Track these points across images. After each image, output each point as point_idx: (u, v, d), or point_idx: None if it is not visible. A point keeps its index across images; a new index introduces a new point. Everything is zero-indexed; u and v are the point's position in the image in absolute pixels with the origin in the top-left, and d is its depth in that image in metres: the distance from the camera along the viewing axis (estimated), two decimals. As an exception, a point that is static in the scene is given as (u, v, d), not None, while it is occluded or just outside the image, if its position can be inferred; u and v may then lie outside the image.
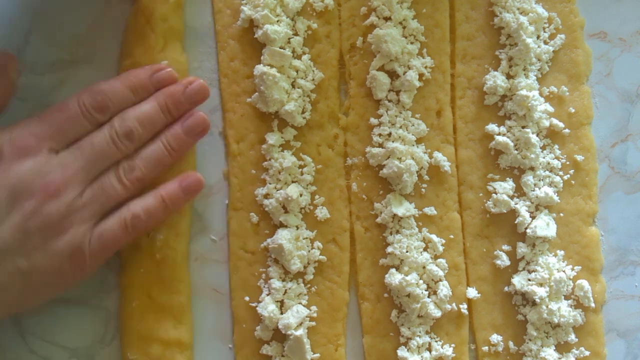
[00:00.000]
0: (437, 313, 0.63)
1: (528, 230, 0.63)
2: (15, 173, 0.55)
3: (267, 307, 0.62)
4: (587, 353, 0.64)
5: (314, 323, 0.63)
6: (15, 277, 0.55)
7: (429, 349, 0.63)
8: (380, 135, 0.65)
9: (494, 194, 0.64)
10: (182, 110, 0.61)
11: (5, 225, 0.54)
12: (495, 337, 0.64)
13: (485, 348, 0.64)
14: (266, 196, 0.64)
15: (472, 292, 0.64)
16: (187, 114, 0.61)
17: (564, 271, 0.64)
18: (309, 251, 0.64)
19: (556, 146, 0.65)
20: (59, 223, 0.55)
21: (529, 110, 0.64)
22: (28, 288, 0.56)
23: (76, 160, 0.57)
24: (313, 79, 0.65)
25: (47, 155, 0.56)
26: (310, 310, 0.63)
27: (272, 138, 0.64)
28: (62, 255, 0.56)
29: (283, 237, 0.62)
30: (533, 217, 0.64)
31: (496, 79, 0.65)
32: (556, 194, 0.64)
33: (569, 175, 0.65)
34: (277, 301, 0.63)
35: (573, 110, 0.66)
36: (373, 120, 0.65)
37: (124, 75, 0.61)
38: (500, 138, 0.64)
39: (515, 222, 0.64)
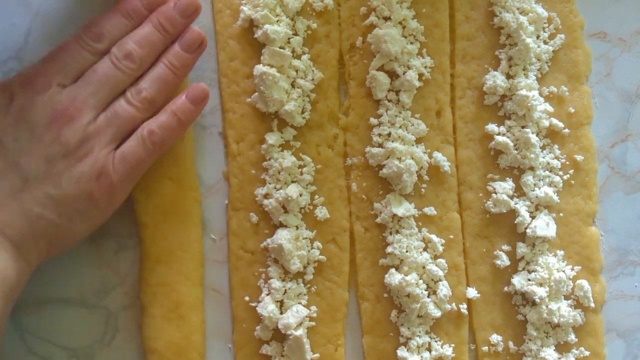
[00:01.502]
0: (437, 313, 0.63)
1: (528, 230, 0.63)
2: (28, 109, 0.57)
3: (267, 307, 0.62)
4: (587, 353, 0.64)
5: (313, 323, 0.63)
6: (47, 206, 0.56)
7: (429, 349, 0.63)
8: (380, 135, 0.65)
9: (493, 194, 0.64)
10: (178, 27, 0.62)
11: (28, 156, 0.56)
12: (495, 337, 0.64)
13: (485, 348, 0.64)
14: (266, 196, 0.64)
15: (471, 292, 0.64)
16: (183, 31, 0.62)
17: (563, 271, 0.64)
18: (309, 251, 0.64)
19: (556, 146, 0.65)
20: (79, 148, 0.57)
21: (529, 110, 0.64)
22: (62, 218, 0.57)
23: (83, 88, 0.58)
24: (313, 79, 0.65)
25: (56, 89, 0.58)
26: (310, 310, 0.63)
27: (272, 138, 0.64)
28: (88, 178, 0.57)
29: (283, 237, 0.62)
30: (533, 217, 0.64)
31: (496, 79, 0.65)
32: (556, 194, 0.64)
33: (568, 175, 0.65)
34: (277, 301, 0.63)
35: (573, 110, 0.66)
36: (373, 120, 0.65)
37: (116, 4, 0.62)
38: (500, 138, 0.64)
39: (515, 222, 0.64)
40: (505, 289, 0.64)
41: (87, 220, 0.59)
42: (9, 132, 0.57)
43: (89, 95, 0.58)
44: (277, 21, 0.64)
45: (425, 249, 0.64)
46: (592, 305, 0.64)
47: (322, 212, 0.64)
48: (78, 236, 0.59)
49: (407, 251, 0.63)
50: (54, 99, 0.57)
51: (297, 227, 0.64)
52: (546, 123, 0.65)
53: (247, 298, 0.64)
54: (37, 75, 0.58)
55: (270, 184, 0.64)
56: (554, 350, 0.63)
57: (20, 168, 0.56)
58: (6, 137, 0.57)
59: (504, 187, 0.64)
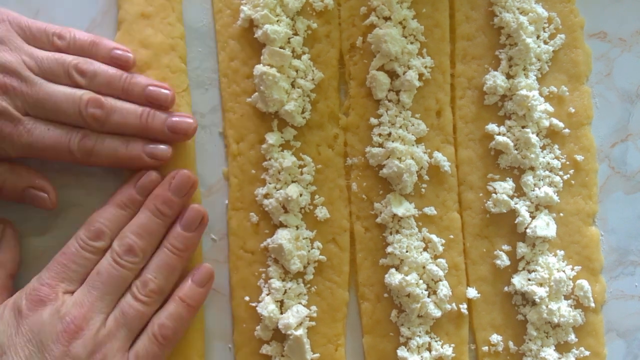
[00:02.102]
0: (437, 313, 0.63)
1: (528, 230, 0.63)
2: (36, 325, 0.56)
3: (267, 307, 0.62)
4: (587, 353, 0.64)
5: (313, 323, 0.63)
6: None
7: (429, 349, 0.63)
8: (380, 135, 0.65)
9: (493, 194, 0.64)
10: (176, 208, 0.61)
11: None
12: (495, 337, 0.64)
13: (485, 348, 0.64)
14: (266, 196, 0.64)
15: (472, 292, 0.64)
16: (182, 210, 0.62)
17: (563, 271, 0.64)
18: (309, 251, 0.64)
19: (556, 146, 0.65)
20: (91, 358, 0.56)
21: (529, 110, 0.64)
22: None
23: (89, 293, 0.58)
24: (313, 79, 0.65)
25: (63, 298, 0.57)
26: (310, 310, 0.63)
27: (272, 138, 0.64)
28: None
29: (283, 237, 0.62)
30: (533, 217, 0.64)
31: (496, 79, 0.65)
32: (556, 194, 0.64)
33: (568, 175, 0.65)
34: (277, 301, 0.63)
35: (573, 110, 0.66)
36: (373, 120, 0.65)
37: (111, 198, 0.61)
38: (500, 138, 0.64)
39: (515, 222, 0.64)
40: (506, 289, 0.64)
41: None
42: (20, 353, 0.55)
43: (95, 300, 0.57)
44: (277, 21, 0.64)
45: (425, 249, 0.64)
46: (592, 305, 0.64)
47: (322, 212, 0.64)
48: None
49: (407, 251, 0.63)
50: (62, 311, 0.56)
51: (297, 227, 0.64)
52: (546, 123, 0.65)
53: (247, 298, 0.64)
54: (41, 286, 0.57)
55: (270, 184, 0.64)
56: (554, 350, 0.63)
57: None
58: (18, 357, 0.55)
59: (504, 187, 0.64)
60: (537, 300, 0.62)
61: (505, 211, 0.64)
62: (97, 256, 0.59)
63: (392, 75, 0.65)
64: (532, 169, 0.65)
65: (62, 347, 0.56)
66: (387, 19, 0.65)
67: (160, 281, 0.59)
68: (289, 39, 0.64)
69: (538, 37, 0.66)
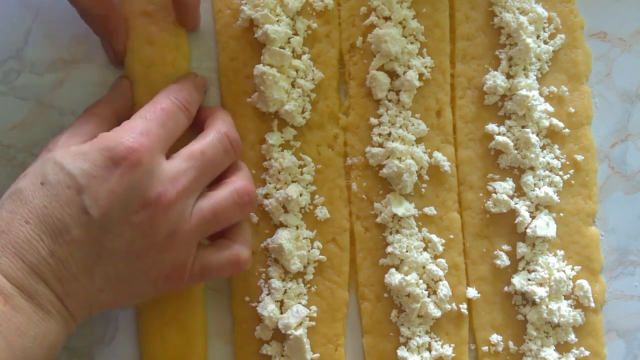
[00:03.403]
0: (437, 313, 0.63)
1: (528, 230, 0.63)
2: (128, 180, 0.52)
3: (267, 307, 0.62)
4: (587, 353, 0.64)
5: (313, 323, 0.63)
6: (111, 282, 0.53)
7: (429, 349, 0.63)
8: (380, 135, 0.65)
9: (493, 194, 0.64)
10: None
11: (113, 232, 0.51)
12: (495, 337, 0.64)
13: (485, 348, 0.64)
14: (266, 196, 0.64)
15: (472, 292, 0.64)
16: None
17: (563, 271, 0.64)
18: (309, 251, 0.64)
19: (556, 146, 0.65)
20: (166, 239, 0.53)
21: (529, 110, 0.64)
22: (120, 296, 0.54)
23: (188, 170, 0.55)
24: (313, 79, 0.65)
25: (159, 159, 0.54)
26: (310, 310, 0.63)
27: (272, 138, 0.64)
28: (160, 271, 0.55)
29: (283, 237, 0.62)
30: (533, 217, 0.64)
31: (496, 79, 0.65)
32: (556, 193, 0.64)
33: (568, 175, 0.65)
34: (277, 301, 0.63)
35: (573, 110, 0.66)
36: (373, 120, 0.65)
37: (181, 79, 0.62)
38: (500, 138, 0.64)
39: (515, 222, 0.64)
40: (505, 289, 0.64)
41: (140, 298, 0.57)
42: (101, 204, 0.51)
43: (192, 181, 0.55)
44: (277, 21, 0.64)
45: (425, 249, 0.64)
46: (592, 305, 0.64)
47: (322, 212, 0.64)
48: (127, 306, 0.60)
49: (407, 251, 0.63)
50: (157, 175, 0.53)
51: (297, 227, 0.64)
52: (546, 123, 0.65)
53: (247, 298, 0.64)
54: (140, 135, 0.53)
55: (270, 183, 0.64)
56: (554, 350, 0.63)
57: (101, 245, 0.51)
58: (97, 208, 0.51)
59: (504, 187, 0.64)
60: (537, 300, 0.62)
61: (505, 211, 0.64)
62: (188, 121, 0.59)
63: (392, 75, 0.65)
64: (532, 168, 0.65)
65: (146, 215, 0.52)
66: (387, 19, 0.65)
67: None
68: (289, 39, 0.64)
69: (538, 37, 0.66)
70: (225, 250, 0.58)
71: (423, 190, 0.65)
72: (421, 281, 0.63)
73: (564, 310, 0.63)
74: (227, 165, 0.59)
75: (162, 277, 0.55)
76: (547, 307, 0.62)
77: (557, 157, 0.65)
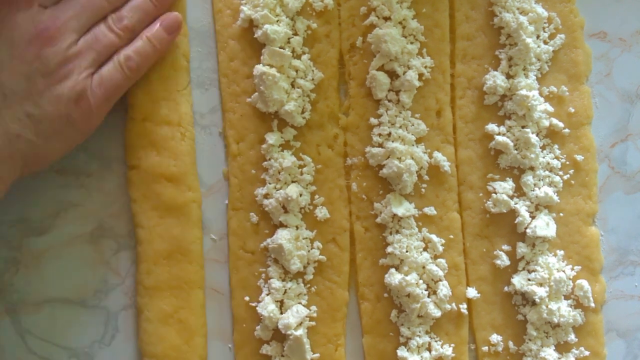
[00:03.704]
0: (437, 313, 0.63)
1: (528, 230, 0.63)
2: (9, 24, 0.57)
3: (267, 307, 0.62)
4: (586, 353, 0.64)
5: (313, 323, 0.63)
6: (25, 124, 0.57)
7: (429, 349, 0.63)
8: (380, 135, 0.65)
9: (493, 194, 0.64)
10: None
11: (8, 71, 0.57)
12: (495, 337, 0.64)
13: (485, 348, 0.64)
14: (266, 196, 0.64)
15: (471, 292, 0.64)
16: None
17: (563, 271, 0.64)
18: (309, 251, 0.64)
19: (556, 146, 0.65)
20: (59, 69, 0.58)
21: (529, 110, 0.64)
22: (40, 138, 0.58)
23: (66, 10, 0.59)
24: (313, 79, 0.65)
25: (38, 9, 0.58)
26: (310, 310, 0.63)
27: (272, 138, 0.64)
28: (67, 100, 0.58)
29: (283, 237, 0.62)
30: (533, 217, 0.64)
31: (496, 79, 0.65)
32: (556, 193, 0.64)
33: (568, 175, 0.65)
34: (277, 301, 0.63)
35: (573, 110, 0.66)
36: (373, 120, 0.65)
37: None
38: (500, 138, 0.64)
39: (515, 222, 0.64)
40: (505, 289, 0.64)
41: (64, 141, 0.60)
42: None
43: (71, 18, 0.59)
44: (277, 21, 0.64)
45: (425, 249, 0.64)
46: (592, 305, 0.64)
47: (322, 212, 0.64)
48: (53, 156, 0.61)
49: (407, 251, 0.63)
50: (36, 18, 0.58)
51: (297, 227, 0.64)
52: (546, 123, 0.65)
53: (247, 298, 0.64)
54: None
55: (270, 184, 0.64)
56: (554, 350, 0.63)
57: (3, 85, 0.57)
58: None
59: (504, 187, 0.64)
60: (537, 300, 0.62)
61: (505, 211, 0.64)
62: None
63: (392, 75, 0.65)
64: (532, 169, 0.65)
65: (34, 50, 0.57)
66: (387, 19, 0.65)
67: (134, 20, 0.62)
68: (288, 39, 0.64)
69: (538, 37, 0.66)
70: (110, 60, 0.61)
71: (423, 190, 0.65)
72: (421, 281, 0.63)
73: (564, 310, 0.63)
74: (108, 5, 0.61)
75: (72, 106, 0.58)
76: (547, 307, 0.62)
77: (557, 157, 0.65)
